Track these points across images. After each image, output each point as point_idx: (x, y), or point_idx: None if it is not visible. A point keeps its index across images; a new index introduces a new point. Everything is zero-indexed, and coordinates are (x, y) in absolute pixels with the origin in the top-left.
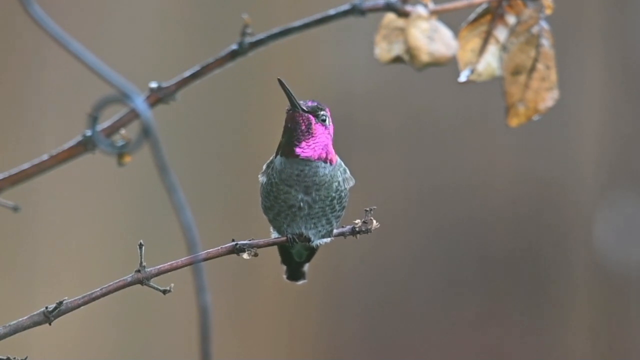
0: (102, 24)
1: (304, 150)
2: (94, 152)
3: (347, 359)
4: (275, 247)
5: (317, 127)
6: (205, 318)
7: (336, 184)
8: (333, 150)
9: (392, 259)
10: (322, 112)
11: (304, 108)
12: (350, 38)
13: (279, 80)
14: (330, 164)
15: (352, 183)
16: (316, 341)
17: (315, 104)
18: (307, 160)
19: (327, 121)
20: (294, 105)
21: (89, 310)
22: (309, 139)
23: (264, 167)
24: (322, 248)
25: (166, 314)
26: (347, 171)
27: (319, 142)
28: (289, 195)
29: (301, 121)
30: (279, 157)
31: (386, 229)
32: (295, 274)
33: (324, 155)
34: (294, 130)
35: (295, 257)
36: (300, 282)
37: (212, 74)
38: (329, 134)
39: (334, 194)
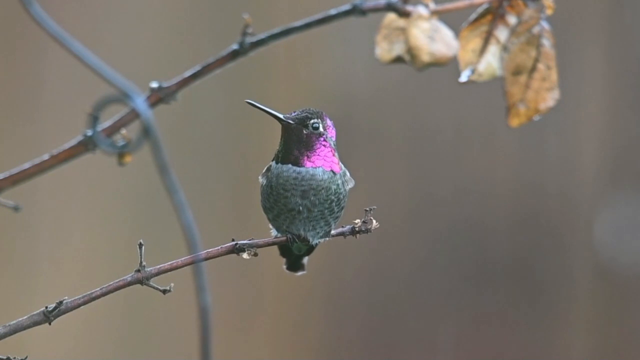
0: (102, 24)
1: (314, 164)
2: (94, 152)
3: None
4: (276, 247)
5: (317, 144)
6: (205, 318)
7: (335, 186)
8: (336, 160)
9: (393, 261)
10: (312, 121)
11: (291, 121)
12: (351, 40)
13: (249, 103)
14: (334, 173)
15: (351, 184)
16: (318, 341)
17: (305, 113)
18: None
19: (319, 128)
20: (278, 120)
21: (89, 310)
22: (311, 153)
23: (264, 169)
24: (323, 249)
25: (166, 314)
26: (347, 173)
27: (321, 155)
28: (288, 199)
29: (301, 136)
30: (279, 163)
31: (387, 232)
32: (294, 265)
33: (328, 168)
34: (297, 146)
35: (294, 251)
36: (300, 273)
37: (212, 74)
38: (325, 143)
39: (332, 197)
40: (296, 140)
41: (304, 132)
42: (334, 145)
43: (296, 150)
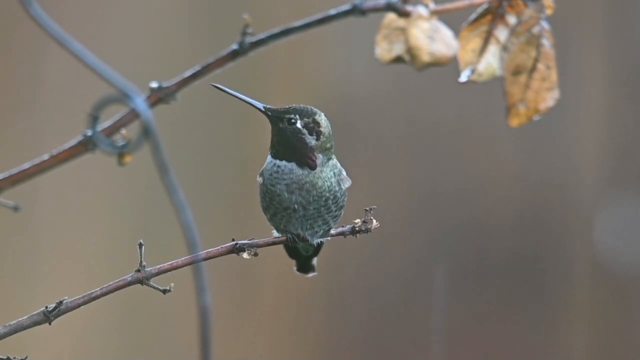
0: (102, 23)
1: (288, 159)
2: (94, 152)
3: None
4: (276, 247)
5: (293, 140)
6: (205, 318)
7: (322, 182)
8: (312, 156)
9: (393, 261)
10: (289, 116)
11: (269, 112)
12: (351, 40)
13: (216, 86)
14: (310, 168)
15: (348, 184)
16: (317, 341)
17: (289, 107)
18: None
19: (296, 123)
20: (257, 108)
21: (88, 310)
22: (286, 149)
23: (262, 168)
24: (323, 249)
25: (166, 314)
26: (343, 172)
27: (295, 152)
28: (281, 196)
29: (276, 130)
30: (269, 157)
31: (387, 232)
32: (304, 267)
33: (302, 165)
34: (276, 139)
35: (302, 252)
36: (310, 275)
37: (212, 74)
38: (302, 140)
39: (327, 194)
40: (275, 133)
41: (280, 125)
42: (319, 145)
43: (276, 142)
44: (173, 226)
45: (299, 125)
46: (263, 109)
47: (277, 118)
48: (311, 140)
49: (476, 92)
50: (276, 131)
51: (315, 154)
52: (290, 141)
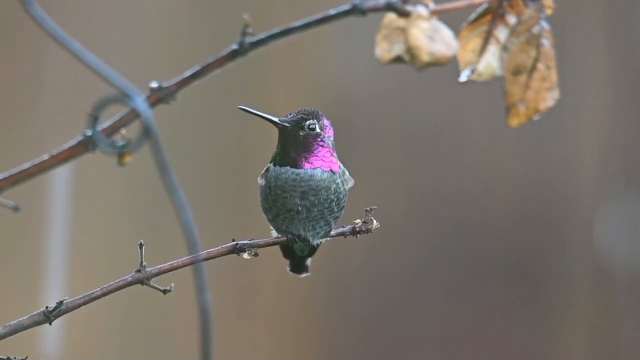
0: (102, 23)
1: (312, 165)
2: (94, 152)
3: None
4: (276, 248)
5: (315, 145)
6: (205, 318)
7: (334, 185)
8: (335, 159)
9: (394, 262)
10: (308, 122)
11: (287, 124)
12: (351, 42)
13: (242, 108)
14: (333, 172)
15: (351, 183)
16: (318, 341)
17: (300, 115)
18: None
19: (315, 129)
20: (274, 123)
21: (88, 310)
22: (309, 154)
23: (263, 170)
24: (323, 249)
25: (166, 314)
26: (346, 172)
27: (319, 156)
28: (287, 200)
29: (298, 138)
30: (279, 167)
31: (388, 233)
32: (298, 267)
33: (327, 168)
34: (294, 148)
35: (297, 252)
36: (304, 275)
37: (212, 74)
38: (323, 143)
39: (332, 197)
40: (293, 142)
41: (301, 134)
42: (332, 144)
43: (294, 152)
44: (173, 226)
45: (318, 129)
46: (280, 122)
47: (299, 127)
48: (329, 143)
49: (476, 92)
50: (297, 140)
51: (335, 156)
52: (312, 148)
